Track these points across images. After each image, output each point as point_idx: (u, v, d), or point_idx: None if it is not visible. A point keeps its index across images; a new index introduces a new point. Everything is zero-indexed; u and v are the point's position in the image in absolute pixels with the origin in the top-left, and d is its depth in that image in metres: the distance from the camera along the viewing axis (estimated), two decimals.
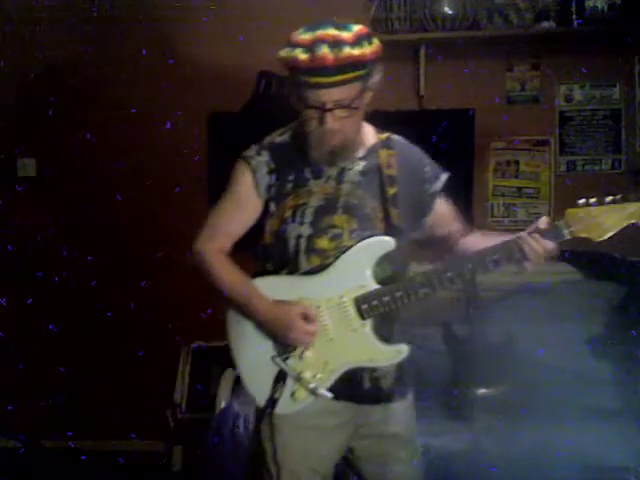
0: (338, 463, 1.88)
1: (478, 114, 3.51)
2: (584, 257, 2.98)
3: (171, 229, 3.65)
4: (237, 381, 3.05)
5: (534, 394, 2.73)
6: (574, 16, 3.37)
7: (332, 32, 1.62)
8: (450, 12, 3.43)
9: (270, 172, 1.78)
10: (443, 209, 1.90)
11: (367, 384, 1.80)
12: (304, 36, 1.64)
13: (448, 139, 3.28)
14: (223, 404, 2.97)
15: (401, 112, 3.41)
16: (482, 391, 2.84)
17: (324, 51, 1.59)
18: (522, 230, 1.72)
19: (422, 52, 3.47)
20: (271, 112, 3.58)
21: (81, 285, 3.72)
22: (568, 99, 3.53)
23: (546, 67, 3.52)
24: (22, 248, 3.74)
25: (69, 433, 3.75)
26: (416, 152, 1.88)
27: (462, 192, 3.42)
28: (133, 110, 3.63)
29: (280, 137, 1.85)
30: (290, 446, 1.79)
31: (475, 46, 3.48)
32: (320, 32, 1.62)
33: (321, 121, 1.67)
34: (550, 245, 1.66)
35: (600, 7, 3.36)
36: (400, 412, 1.85)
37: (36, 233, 3.75)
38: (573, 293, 3.08)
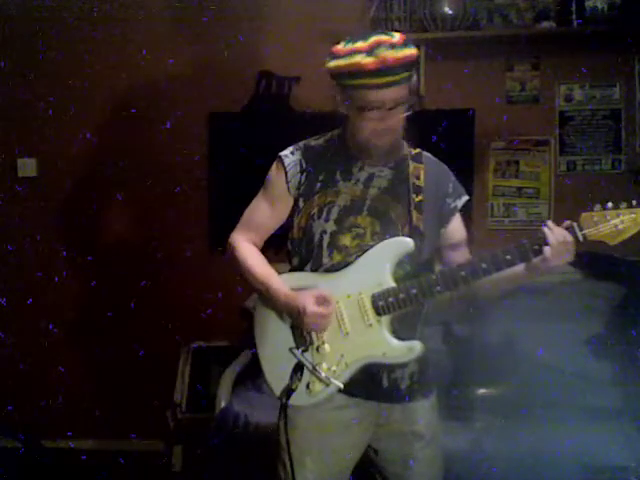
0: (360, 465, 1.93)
1: (478, 114, 3.51)
2: (584, 257, 2.98)
3: (171, 229, 3.66)
4: (237, 381, 3.06)
5: (534, 394, 2.74)
6: (574, 16, 3.37)
7: (384, 37, 1.72)
8: (450, 12, 3.43)
9: (301, 171, 1.89)
10: (457, 229, 1.96)
11: (385, 383, 1.86)
12: (357, 44, 1.72)
13: (448, 139, 3.28)
14: (223, 404, 2.97)
15: None
16: (482, 391, 2.85)
17: (386, 52, 1.69)
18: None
19: (422, 52, 3.46)
20: (271, 112, 3.63)
21: (81, 285, 3.72)
22: (568, 99, 3.52)
23: (546, 67, 3.52)
24: (22, 248, 3.75)
25: (69, 433, 3.76)
26: (443, 169, 1.97)
27: None
28: (133, 110, 3.63)
29: (315, 141, 1.95)
30: (304, 440, 1.85)
31: (475, 46, 3.48)
32: (374, 38, 1.72)
33: (382, 121, 1.75)
34: (566, 235, 1.68)
35: (600, 7, 3.35)
36: (421, 412, 1.90)
37: (36, 233, 3.76)
38: (573, 293, 3.08)
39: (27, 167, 3.79)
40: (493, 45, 3.49)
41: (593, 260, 3.00)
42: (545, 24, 3.41)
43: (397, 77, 1.70)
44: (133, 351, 3.58)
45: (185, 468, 3.36)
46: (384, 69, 1.69)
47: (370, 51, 1.69)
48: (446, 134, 3.31)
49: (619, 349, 2.84)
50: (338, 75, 1.75)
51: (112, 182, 3.70)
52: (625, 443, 2.52)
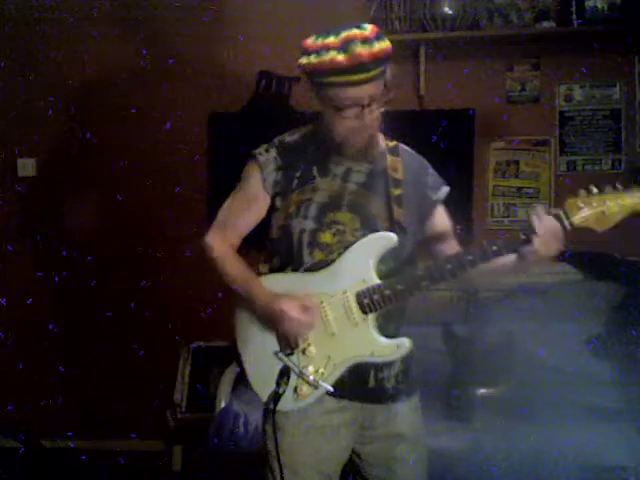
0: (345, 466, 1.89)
1: (478, 114, 3.51)
2: (584, 257, 2.98)
3: (171, 229, 3.66)
4: (237, 381, 3.06)
5: (534, 394, 2.73)
6: (574, 16, 3.37)
7: (356, 31, 1.66)
8: (450, 12, 3.43)
9: (277, 169, 1.84)
10: (441, 221, 1.92)
11: (372, 383, 1.82)
12: (329, 40, 1.67)
13: (448, 139, 3.29)
14: (223, 404, 2.97)
15: (401, 112, 3.41)
16: (482, 391, 2.84)
17: (359, 49, 1.63)
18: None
19: (422, 52, 3.47)
20: (271, 112, 3.63)
21: (81, 285, 3.72)
22: (568, 99, 3.53)
23: (546, 67, 3.52)
24: (22, 248, 3.75)
25: (69, 433, 3.76)
26: (421, 161, 1.94)
27: (462, 192, 3.43)
28: (133, 110, 3.63)
29: (290, 137, 1.89)
30: (294, 446, 1.80)
31: (475, 46, 3.48)
32: (346, 33, 1.66)
33: (358, 118, 1.71)
34: (555, 224, 1.64)
35: (600, 7, 3.36)
36: (405, 412, 1.86)
37: (36, 233, 3.76)
38: (573, 293, 3.08)
39: (27, 167, 3.79)
40: (493, 45, 3.49)
41: (593, 260, 3.00)
42: (545, 24, 3.42)
43: (372, 73, 1.66)
44: (133, 351, 3.58)
45: (185, 468, 3.36)
46: (358, 66, 1.64)
47: (343, 47, 1.64)
48: (446, 134, 3.32)
49: (619, 349, 2.84)
50: (311, 72, 1.70)
51: (112, 182, 3.70)
52: (625, 443, 2.52)
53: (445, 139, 3.26)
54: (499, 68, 3.54)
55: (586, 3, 3.36)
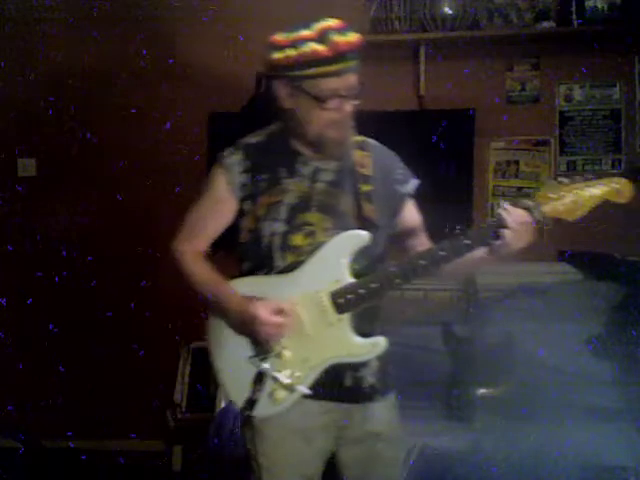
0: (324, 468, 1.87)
1: (478, 114, 3.51)
2: (584, 257, 2.99)
3: (171, 229, 3.65)
4: None
5: (534, 394, 2.74)
6: (574, 16, 3.38)
7: (329, 22, 1.68)
8: (450, 12, 3.43)
9: (245, 171, 1.80)
10: (411, 215, 1.90)
11: (348, 382, 1.78)
12: (303, 33, 1.67)
13: (448, 139, 3.28)
14: (223, 404, 2.97)
15: (401, 112, 3.41)
16: (482, 391, 2.84)
17: (336, 38, 1.64)
18: None
19: (422, 52, 3.47)
20: (271, 112, 3.62)
21: (81, 285, 3.72)
22: (568, 99, 3.53)
23: (546, 67, 3.52)
24: (22, 248, 3.75)
25: (69, 433, 3.76)
26: (390, 155, 1.90)
27: (462, 192, 3.43)
28: (133, 110, 3.63)
29: (255, 138, 1.88)
30: (274, 450, 1.78)
31: (475, 46, 3.48)
32: (320, 24, 1.67)
33: (338, 110, 1.69)
34: (524, 215, 1.64)
35: (600, 7, 3.36)
36: (382, 411, 1.84)
37: (36, 233, 3.76)
38: (573, 293, 3.08)
39: (27, 167, 3.80)
40: (493, 45, 3.49)
41: (593, 260, 3.01)
42: (545, 24, 3.42)
43: (350, 63, 1.66)
44: (133, 351, 3.58)
45: (185, 468, 3.36)
46: (338, 56, 1.64)
47: (320, 38, 1.64)
48: (446, 134, 3.32)
49: (619, 349, 2.84)
50: (287, 66, 1.68)
51: (112, 182, 3.70)
52: (625, 443, 2.52)
53: (445, 139, 3.26)
54: (499, 68, 3.54)
55: (586, 3, 3.37)
